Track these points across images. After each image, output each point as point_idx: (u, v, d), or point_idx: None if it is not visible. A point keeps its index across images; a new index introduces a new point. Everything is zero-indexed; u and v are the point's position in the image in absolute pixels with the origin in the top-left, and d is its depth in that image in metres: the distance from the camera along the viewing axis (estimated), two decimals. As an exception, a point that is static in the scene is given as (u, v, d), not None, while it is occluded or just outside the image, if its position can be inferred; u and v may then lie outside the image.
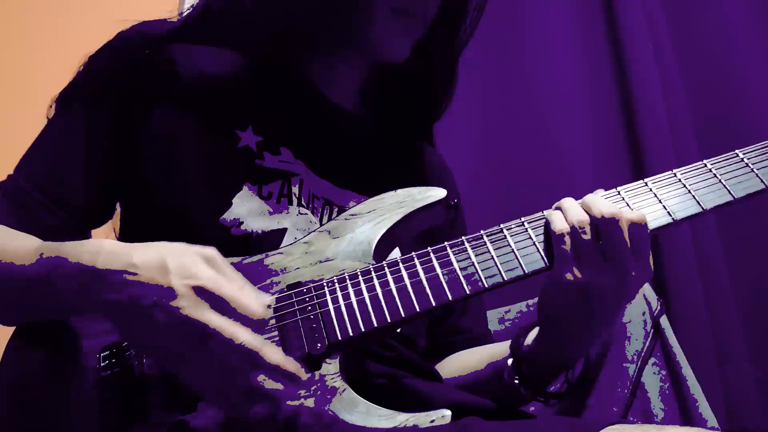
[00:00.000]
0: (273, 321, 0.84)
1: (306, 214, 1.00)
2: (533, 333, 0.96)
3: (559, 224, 0.85)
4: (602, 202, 0.85)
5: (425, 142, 1.23)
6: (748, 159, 0.90)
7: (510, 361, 0.96)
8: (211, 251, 0.78)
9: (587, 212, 0.85)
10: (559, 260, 0.85)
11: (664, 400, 1.33)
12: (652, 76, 1.86)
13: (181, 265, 0.74)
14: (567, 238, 0.84)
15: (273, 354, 0.73)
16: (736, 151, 0.91)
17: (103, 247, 0.78)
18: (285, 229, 0.97)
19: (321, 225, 0.99)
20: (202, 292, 0.73)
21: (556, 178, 1.85)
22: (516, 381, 0.95)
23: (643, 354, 1.33)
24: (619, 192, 0.90)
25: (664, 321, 1.38)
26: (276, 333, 0.84)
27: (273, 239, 0.96)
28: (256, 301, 0.75)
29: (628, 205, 0.88)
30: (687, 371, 1.35)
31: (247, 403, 0.73)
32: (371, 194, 0.96)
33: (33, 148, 1.01)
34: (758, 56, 1.90)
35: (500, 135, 1.94)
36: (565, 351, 0.94)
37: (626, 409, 1.30)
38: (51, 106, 1.01)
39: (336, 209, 1.03)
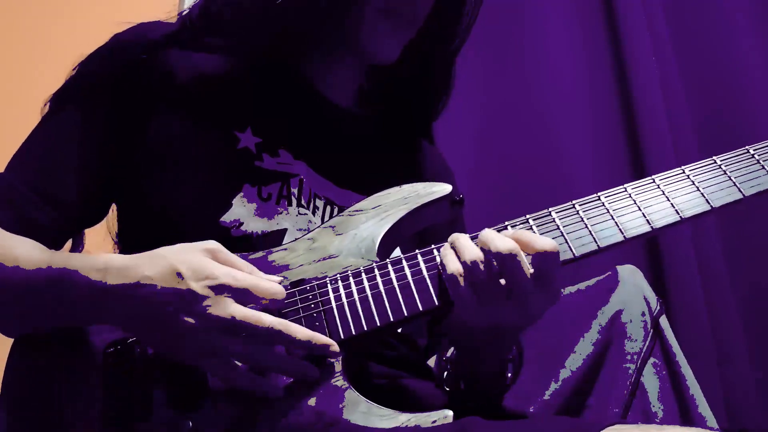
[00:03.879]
0: None
1: (306, 214, 1.00)
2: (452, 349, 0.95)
3: (452, 265, 0.80)
4: (499, 238, 0.78)
5: (425, 140, 1.23)
6: (759, 156, 0.87)
7: (437, 372, 0.96)
8: (213, 244, 0.82)
9: (483, 249, 0.79)
10: (457, 300, 0.81)
11: (663, 400, 1.33)
12: (652, 76, 1.86)
13: (194, 268, 0.78)
14: (461, 279, 0.79)
15: (299, 331, 0.78)
16: (747, 147, 0.88)
17: (111, 264, 0.80)
18: (285, 230, 0.97)
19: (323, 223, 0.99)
20: (223, 289, 0.77)
21: (556, 178, 1.85)
22: (446, 389, 0.94)
23: (643, 354, 1.33)
24: (527, 220, 0.86)
25: (663, 321, 1.38)
26: None
27: (273, 240, 0.96)
28: (272, 283, 0.80)
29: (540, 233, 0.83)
30: (687, 371, 1.35)
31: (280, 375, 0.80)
32: (372, 194, 0.96)
33: (24, 147, 1.00)
34: (758, 56, 1.90)
35: (500, 135, 1.94)
36: (477, 370, 0.92)
37: (626, 409, 1.30)
38: (45, 106, 1.01)
39: (337, 209, 1.03)
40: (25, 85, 1.75)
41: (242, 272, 0.80)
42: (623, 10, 1.92)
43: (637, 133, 1.85)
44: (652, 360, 1.34)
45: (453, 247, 0.82)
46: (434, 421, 0.75)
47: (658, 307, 1.35)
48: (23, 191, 0.95)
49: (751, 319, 1.76)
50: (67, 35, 1.78)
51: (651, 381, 1.33)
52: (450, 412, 0.76)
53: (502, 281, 0.78)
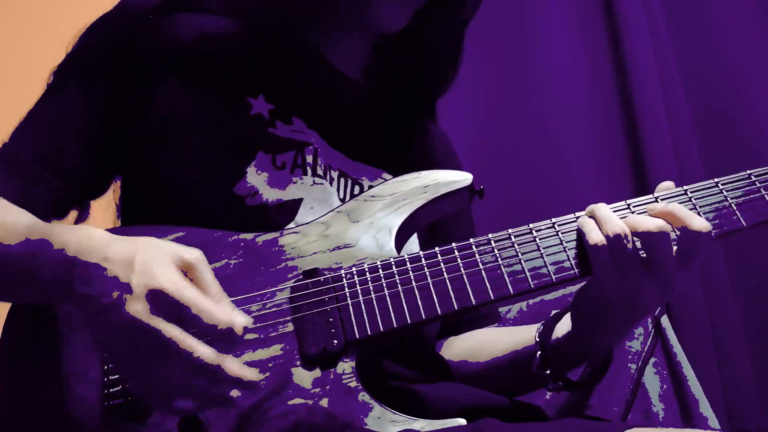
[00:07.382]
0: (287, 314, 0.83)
1: (322, 183, 0.97)
2: (562, 326, 0.94)
3: (595, 236, 0.80)
4: (648, 219, 0.80)
5: (429, 119, 1.19)
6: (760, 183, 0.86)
7: (539, 353, 0.93)
8: (194, 256, 0.73)
9: (629, 225, 0.80)
10: (598, 270, 0.81)
11: (664, 399, 1.34)
12: (652, 76, 1.86)
13: (147, 263, 0.70)
14: (605, 250, 0.79)
15: (233, 366, 0.70)
16: (748, 171, 0.87)
17: (91, 237, 0.74)
18: (300, 200, 0.95)
19: (337, 195, 0.97)
20: (159, 296, 0.69)
21: (556, 179, 1.85)
22: (547, 373, 0.92)
23: (644, 354, 1.34)
24: (686, 191, 0.85)
25: (664, 321, 1.39)
26: (290, 325, 0.81)
27: (288, 210, 0.93)
28: (224, 311, 0.70)
29: (698, 212, 0.83)
30: (687, 371, 1.36)
31: (203, 405, 0.72)
32: (381, 166, 0.94)
33: (28, 118, 0.98)
34: (758, 56, 1.90)
35: (500, 134, 1.94)
36: (596, 344, 0.91)
37: (627, 408, 1.31)
38: (50, 76, 0.99)
39: (350, 181, 1.01)
40: (21, 80, 1.74)
41: (191, 288, 0.70)
42: (623, 10, 1.92)
43: (637, 133, 1.85)
44: (653, 360, 1.35)
45: (593, 218, 0.82)
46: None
47: (659, 307, 1.36)
48: (27, 162, 0.93)
49: (751, 319, 1.77)
50: (65, 24, 1.76)
51: (652, 381, 1.34)
52: (463, 421, 0.75)
53: (644, 255, 0.79)
